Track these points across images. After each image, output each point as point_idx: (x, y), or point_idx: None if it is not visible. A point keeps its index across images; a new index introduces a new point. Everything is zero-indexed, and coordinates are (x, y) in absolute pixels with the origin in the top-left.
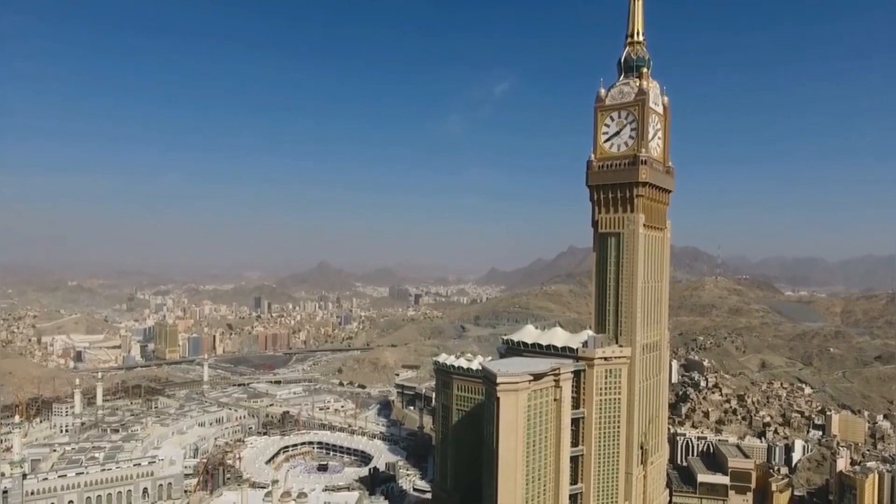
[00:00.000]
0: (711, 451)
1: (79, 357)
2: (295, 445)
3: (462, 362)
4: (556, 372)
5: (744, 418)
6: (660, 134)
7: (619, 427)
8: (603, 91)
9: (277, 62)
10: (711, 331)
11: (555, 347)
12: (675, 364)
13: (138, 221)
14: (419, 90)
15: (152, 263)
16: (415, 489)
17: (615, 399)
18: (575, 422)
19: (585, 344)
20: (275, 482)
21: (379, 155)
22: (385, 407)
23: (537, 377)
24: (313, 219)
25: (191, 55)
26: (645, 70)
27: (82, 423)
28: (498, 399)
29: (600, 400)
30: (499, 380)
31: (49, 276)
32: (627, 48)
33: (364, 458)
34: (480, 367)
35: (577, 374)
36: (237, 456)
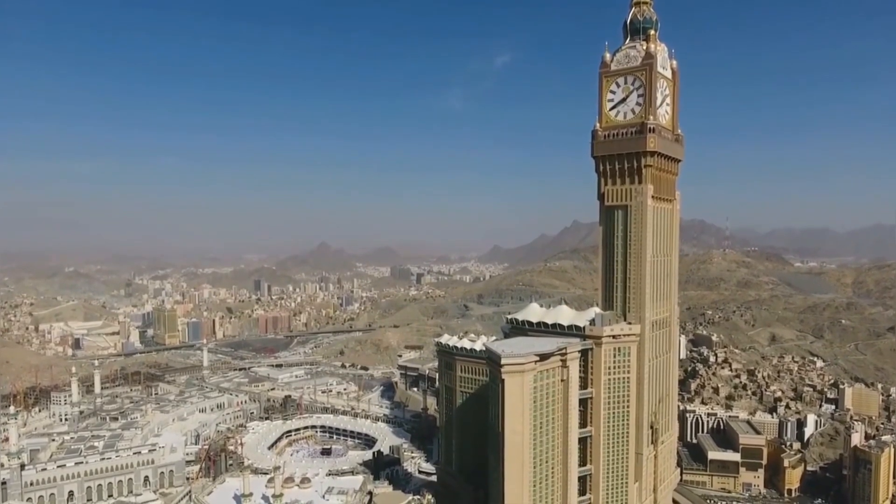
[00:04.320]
0: (722, 427)
1: (77, 344)
2: (297, 430)
3: (465, 343)
4: (563, 351)
5: (754, 393)
6: (668, 100)
7: (628, 407)
8: (608, 56)
9: (274, 40)
10: (720, 304)
11: (561, 326)
12: (683, 339)
13: (136, 205)
14: (417, 64)
15: (150, 248)
16: (420, 471)
17: (624, 378)
18: (583, 402)
19: (592, 322)
20: (277, 468)
21: (378, 133)
22: (388, 389)
23: (543, 357)
24: (312, 199)
25: (187, 33)
26: (652, 32)
27: (81, 412)
28: (503, 381)
29: (609, 379)
30: (503, 361)
31: (45, 262)
32: (634, 9)
33: (368, 441)
34: (484, 348)
35: (584, 353)
36: (239, 442)
